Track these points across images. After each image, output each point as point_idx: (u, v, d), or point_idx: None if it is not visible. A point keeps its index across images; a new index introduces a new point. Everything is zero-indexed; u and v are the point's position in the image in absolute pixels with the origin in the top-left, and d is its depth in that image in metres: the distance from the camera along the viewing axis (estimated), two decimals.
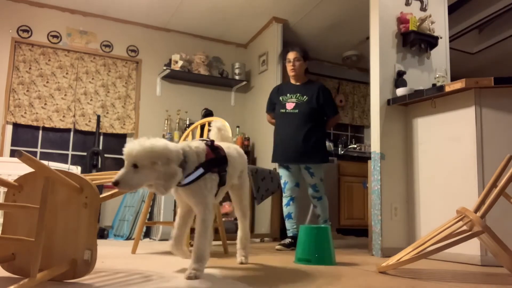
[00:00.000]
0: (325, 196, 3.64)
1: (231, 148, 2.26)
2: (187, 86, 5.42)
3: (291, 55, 3.65)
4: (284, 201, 3.67)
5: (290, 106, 3.58)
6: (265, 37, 5.35)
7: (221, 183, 2.06)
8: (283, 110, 3.61)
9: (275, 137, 3.70)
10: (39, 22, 4.72)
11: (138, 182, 1.73)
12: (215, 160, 2.01)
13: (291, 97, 3.61)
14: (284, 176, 3.65)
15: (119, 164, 4.87)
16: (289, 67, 3.66)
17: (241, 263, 2.42)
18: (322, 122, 3.66)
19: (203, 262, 1.90)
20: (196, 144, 2.01)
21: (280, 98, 3.67)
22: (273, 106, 3.74)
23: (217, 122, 2.52)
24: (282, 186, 3.69)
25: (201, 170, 1.91)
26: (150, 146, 1.74)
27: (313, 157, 3.54)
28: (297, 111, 3.55)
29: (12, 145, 4.56)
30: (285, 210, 3.65)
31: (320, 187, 3.60)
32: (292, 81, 3.72)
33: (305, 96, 3.57)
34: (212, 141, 2.11)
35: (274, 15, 5.05)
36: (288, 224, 3.63)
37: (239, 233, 2.46)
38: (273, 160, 3.72)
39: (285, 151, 3.59)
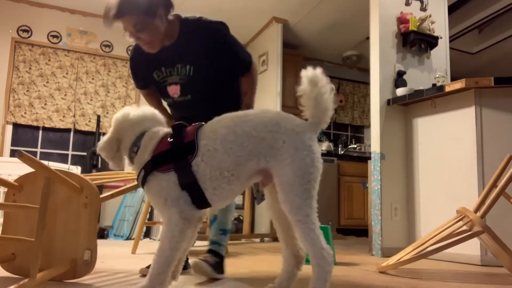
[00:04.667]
0: (233, 205, 2.23)
1: (233, 118, 1.46)
2: None
3: (127, 23, 1.84)
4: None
5: (174, 91, 2.07)
6: (265, 37, 5.34)
7: (185, 180, 1.39)
8: (169, 100, 2.13)
9: None
10: (39, 22, 4.72)
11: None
12: (164, 154, 1.43)
13: (170, 74, 2.06)
14: None
15: None
16: (136, 40, 1.93)
17: None
18: (235, 90, 2.15)
19: (149, 284, 1.37)
20: (158, 129, 1.54)
21: (155, 75, 2.09)
22: (143, 81, 2.19)
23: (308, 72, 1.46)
24: None
25: (142, 173, 1.44)
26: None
27: None
28: (189, 97, 2.06)
29: (12, 145, 4.56)
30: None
31: None
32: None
33: (188, 65, 2.02)
34: (179, 125, 1.52)
35: (274, 15, 5.05)
36: None
37: (311, 266, 1.33)
38: None
39: None
